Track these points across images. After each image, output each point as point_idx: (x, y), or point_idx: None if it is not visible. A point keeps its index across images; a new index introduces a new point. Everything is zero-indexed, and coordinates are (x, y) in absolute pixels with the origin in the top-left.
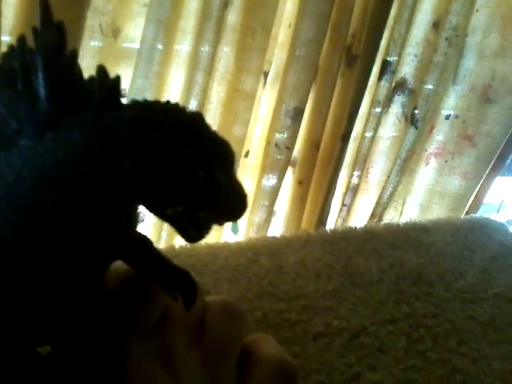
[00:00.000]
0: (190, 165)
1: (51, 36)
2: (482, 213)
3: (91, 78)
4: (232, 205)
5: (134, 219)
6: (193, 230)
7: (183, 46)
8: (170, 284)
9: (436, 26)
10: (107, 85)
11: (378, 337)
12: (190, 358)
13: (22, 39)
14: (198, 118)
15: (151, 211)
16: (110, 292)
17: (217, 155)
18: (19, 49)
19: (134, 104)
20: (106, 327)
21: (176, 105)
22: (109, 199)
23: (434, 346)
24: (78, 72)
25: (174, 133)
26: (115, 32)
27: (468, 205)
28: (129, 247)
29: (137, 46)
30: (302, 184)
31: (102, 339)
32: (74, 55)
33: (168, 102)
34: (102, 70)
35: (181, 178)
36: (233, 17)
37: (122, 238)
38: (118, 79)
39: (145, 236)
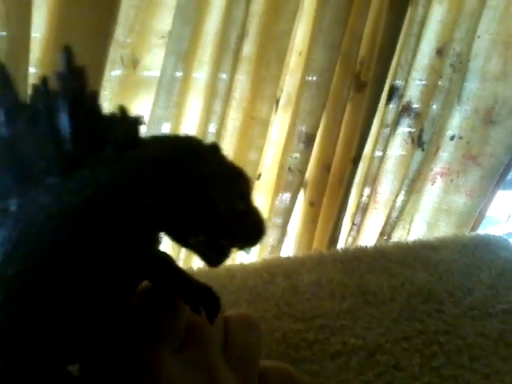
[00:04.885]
0: (209, 198)
1: (74, 80)
2: (488, 225)
3: (111, 115)
4: (251, 232)
5: (156, 241)
6: (214, 256)
7: (201, 75)
8: (194, 299)
9: (440, 52)
10: (128, 124)
11: (393, 354)
12: (225, 369)
13: (45, 81)
14: (215, 151)
15: (173, 241)
16: (136, 307)
17: (234, 185)
18: (43, 90)
19: (154, 141)
20: (134, 342)
21: (194, 139)
22: (133, 231)
23: (447, 363)
24: (99, 110)
25: (193, 169)
26: (134, 63)
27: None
28: (152, 266)
29: (154, 74)
30: (314, 205)
31: (130, 354)
32: (95, 96)
33: (186, 136)
34: (122, 110)
35: (202, 211)
36: (248, 48)
37: (146, 262)
38: (138, 119)
39: (166, 253)
